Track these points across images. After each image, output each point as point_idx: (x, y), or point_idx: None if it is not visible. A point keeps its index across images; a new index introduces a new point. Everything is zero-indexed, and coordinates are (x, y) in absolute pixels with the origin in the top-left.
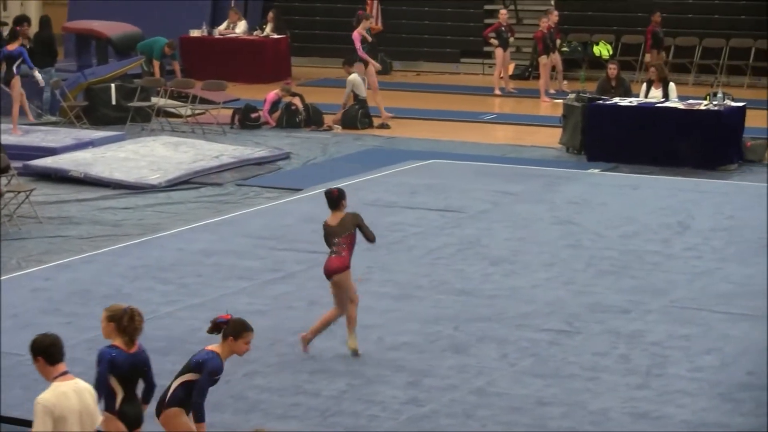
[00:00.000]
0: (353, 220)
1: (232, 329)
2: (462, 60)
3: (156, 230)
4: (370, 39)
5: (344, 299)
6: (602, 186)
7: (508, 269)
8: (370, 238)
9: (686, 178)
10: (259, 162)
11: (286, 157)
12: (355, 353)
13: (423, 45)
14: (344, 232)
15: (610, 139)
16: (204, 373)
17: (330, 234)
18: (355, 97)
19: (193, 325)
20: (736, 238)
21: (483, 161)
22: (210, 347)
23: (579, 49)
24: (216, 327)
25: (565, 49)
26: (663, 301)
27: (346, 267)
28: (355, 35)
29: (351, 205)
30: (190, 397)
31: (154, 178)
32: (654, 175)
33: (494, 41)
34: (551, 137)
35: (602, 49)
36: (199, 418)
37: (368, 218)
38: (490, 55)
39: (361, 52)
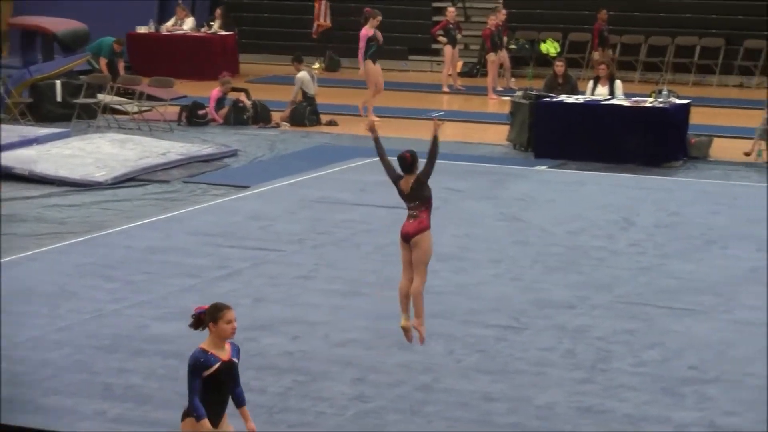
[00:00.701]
0: (420, 179)
1: (210, 315)
2: (410, 57)
3: (102, 227)
4: (381, 40)
5: (417, 263)
6: (549, 183)
7: (456, 266)
8: (432, 155)
9: (632, 174)
10: (207, 159)
11: (234, 154)
12: (406, 332)
13: None
14: (417, 198)
15: (558, 136)
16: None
17: (405, 199)
18: (304, 94)
19: (140, 322)
20: (680, 234)
21: None
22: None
23: (526, 46)
24: (197, 320)
25: (512, 46)
26: (608, 296)
27: (426, 228)
28: (363, 34)
29: (300, 201)
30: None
31: (100, 175)
32: (600, 171)
33: (442, 39)
34: (499, 134)
35: (549, 47)
36: (190, 414)
37: (316, 215)
38: (438, 53)
39: (360, 53)
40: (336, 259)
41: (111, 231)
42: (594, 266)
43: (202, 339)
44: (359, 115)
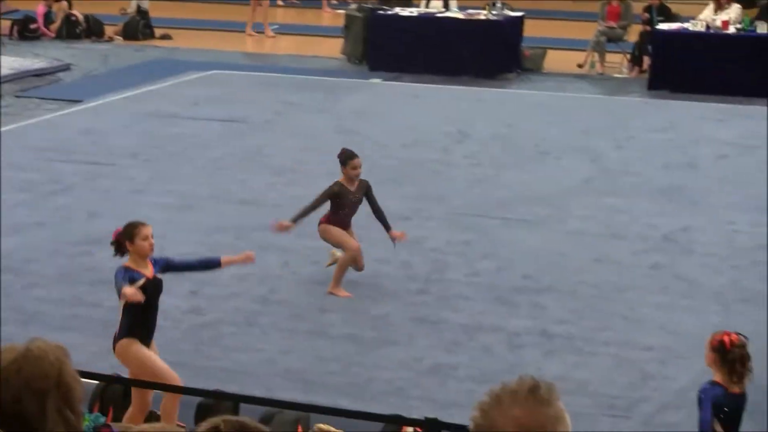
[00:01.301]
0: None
1: (125, 235)
2: None
3: None
4: None
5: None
6: (384, 95)
7: (291, 179)
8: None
9: (466, 87)
10: (39, 73)
11: (67, 68)
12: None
13: None
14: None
15: (392, 48)
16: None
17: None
18: (138, 8)
19: None
20: (514, 146)
21: (266, 72)
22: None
23: None
24: (117, 245)
25: None
26: (443, 208)
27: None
28: None
29: (133, 116)
30: (135, 324)
31: None
32: (435, 84)
33: None
34: (333, 48)
35: None
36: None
37: (149, 129)
38: None
39: None
40: (169, 173)
41: None
42: (429, 178)
43: (37, 254)
44: (191, 29)
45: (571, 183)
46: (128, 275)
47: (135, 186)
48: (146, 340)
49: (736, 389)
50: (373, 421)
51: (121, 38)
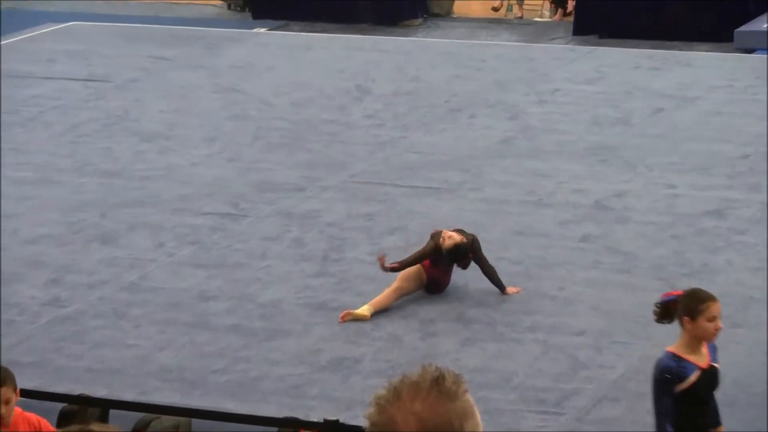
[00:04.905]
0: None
1: (685, 307)
2: None
3: None
4: None
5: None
6: (270, 47)
7: (163, 146)
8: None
9: (365, 35)
10: None
11: None
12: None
13: None
14: None
15: None
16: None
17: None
18: None
19: None
20: (421, 103)
21: (132, 22)
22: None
23: None
24: (665, 310)
25: None
26: (341, 176)
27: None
28: None
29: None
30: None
31: None
32: (329, 33)
33: None
34: None
35: None
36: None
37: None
38: None
39: None
40: (24, 141)
41: None
42: (324, 142)
43: None
44: None
45: (487, 144)
46: (678, 369)
47: None
48: None
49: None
50: (265, 426)
51: None
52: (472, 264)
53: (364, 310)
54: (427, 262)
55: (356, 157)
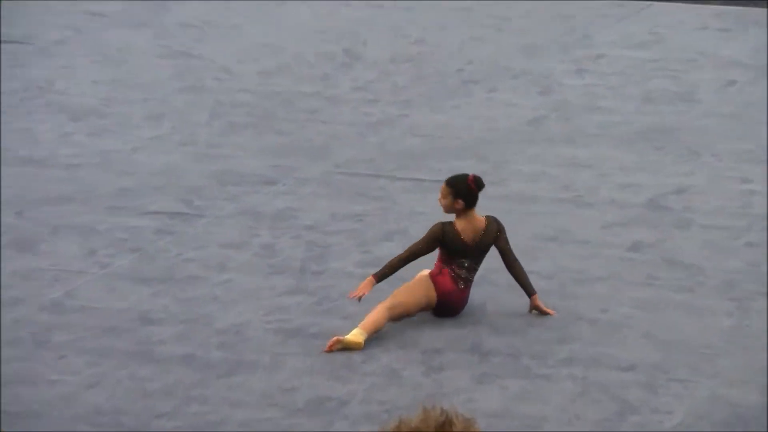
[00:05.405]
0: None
1: None
2: None
3: None
4: None
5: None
6: (232, 1)
7: (97, 125)
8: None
9: None
10: None
11: None
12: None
13: None
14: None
15: None
16: None
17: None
18: None
19: None
20: (426, 72)
21: None
22: None
23: None
24: None
25: None
26: (324, 165)
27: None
28: None
29: None
30: None
31: None
32: None
33: None
34: None
35: None
36: None
37: None
38: None
39: None
40: None
41: None
42: (302, 122)
43: None
44: None
45: (511, 126)
46: None
47: None
48: None
49: None
50: None
51: None
52: (488, 276)
53: (356, 335)
54: (436, 267)
55: (342, 142)
